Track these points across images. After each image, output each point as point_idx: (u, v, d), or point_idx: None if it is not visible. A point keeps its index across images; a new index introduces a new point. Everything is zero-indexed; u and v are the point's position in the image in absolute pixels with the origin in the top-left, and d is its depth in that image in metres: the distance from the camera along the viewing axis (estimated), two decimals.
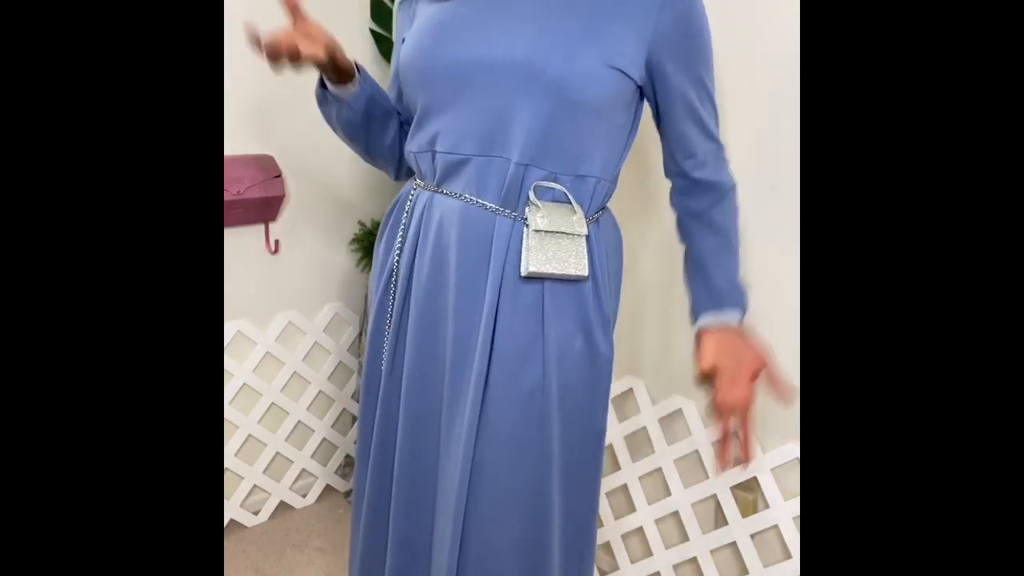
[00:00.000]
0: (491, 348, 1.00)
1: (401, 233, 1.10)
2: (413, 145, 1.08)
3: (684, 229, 1.11)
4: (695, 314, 1.08)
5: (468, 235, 1.01)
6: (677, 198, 1.11)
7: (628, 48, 0.96)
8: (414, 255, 1.08)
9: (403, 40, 1.08)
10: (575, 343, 1.03)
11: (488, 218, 1.00)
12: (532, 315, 1.01)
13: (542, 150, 0.97)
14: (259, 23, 1.76)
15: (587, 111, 0.97)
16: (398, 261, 1.10)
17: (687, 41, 0.98)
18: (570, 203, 1.00)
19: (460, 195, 1.02)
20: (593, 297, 1.04)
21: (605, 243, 1.07)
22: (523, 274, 0.99)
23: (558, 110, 0.95)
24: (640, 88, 1.02)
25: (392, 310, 1.11)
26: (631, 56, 0.97)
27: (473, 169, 1.00)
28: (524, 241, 0.99)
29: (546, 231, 0.98)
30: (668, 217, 1.49)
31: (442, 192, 1.05)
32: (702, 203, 1.08)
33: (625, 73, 0.97)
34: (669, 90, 1.01)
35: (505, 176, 0.99)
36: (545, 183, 0.99)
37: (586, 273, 1.01)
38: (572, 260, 0.99)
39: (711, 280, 1.07)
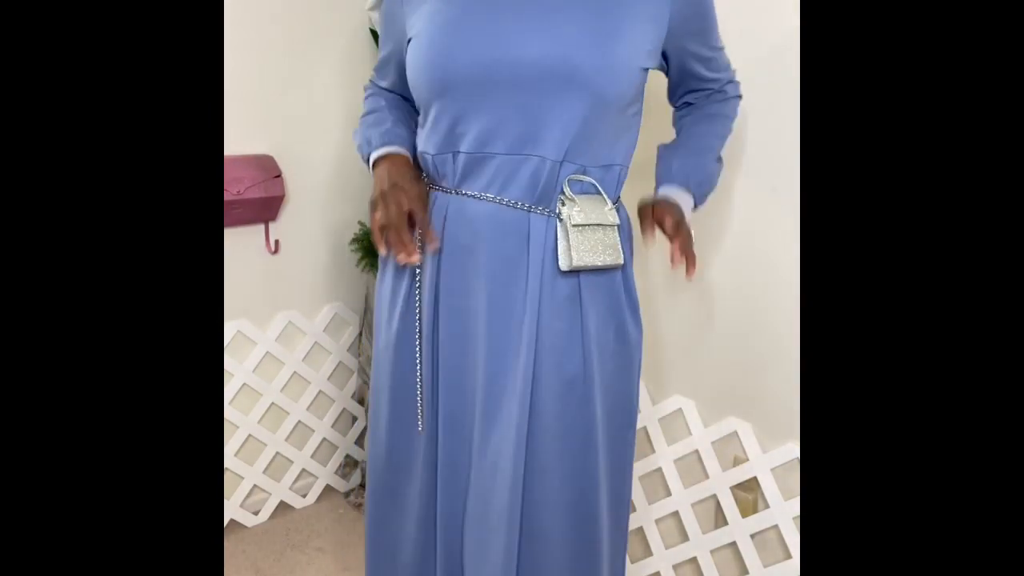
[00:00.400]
0: (536, 342, 1.02)
1: (419, 238, 1.07)
2: (430, 147, 1.05)
3: (682, 119, 1.19)
4: (670, 181, 1.12)
5: (502, 236, 1.01)
6: (681, 109, 1.20)
7: (649, 41, 1.00)
8: (439, 260, 1.06)
9: (408, 39, 1.05)
10: (611, 330, 1.06)
11: (522, 217, 1.00)
12: (571, 307, 1.03)
13: (576, 146, 0.98)
14: (259, 23, 1.77)
15: (616, 106, 0.99)
16: (420, 268, 1.08)
17: (699, 20, 1.06)
18: (599, 193, 1.02)
19: (486, 196, 1.01)
20: (623, 283, 1.08)
21: (625, 227, 1.10)
22: (565, 269, 1.00)
23: (592, 108, 0.97)
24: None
25: (421, 315, 1.09)
26: (651, 49, 1.01)
27: (498, 167, 0.99)
28: (563, 236, 0.99)
29: (584, 224, 0.99)
30: None
31: (464, 194, 1.03)
32: (706, 103, 1.17)
33: (646, 68, 1.01)
34: (684, 58, 1.09)
35: (540, 174, 0.99)
36: (576, 176, 1.01)
37: (622, 261, 1.04)
38: (609, 250, 1.02)
39: (698, 161, 1.13)
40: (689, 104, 1.19)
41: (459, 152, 1.01)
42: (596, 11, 0.96)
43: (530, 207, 1.00)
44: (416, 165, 1.11)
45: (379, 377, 1.17)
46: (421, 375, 1.10)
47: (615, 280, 1.06)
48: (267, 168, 1.79)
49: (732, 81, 1.19)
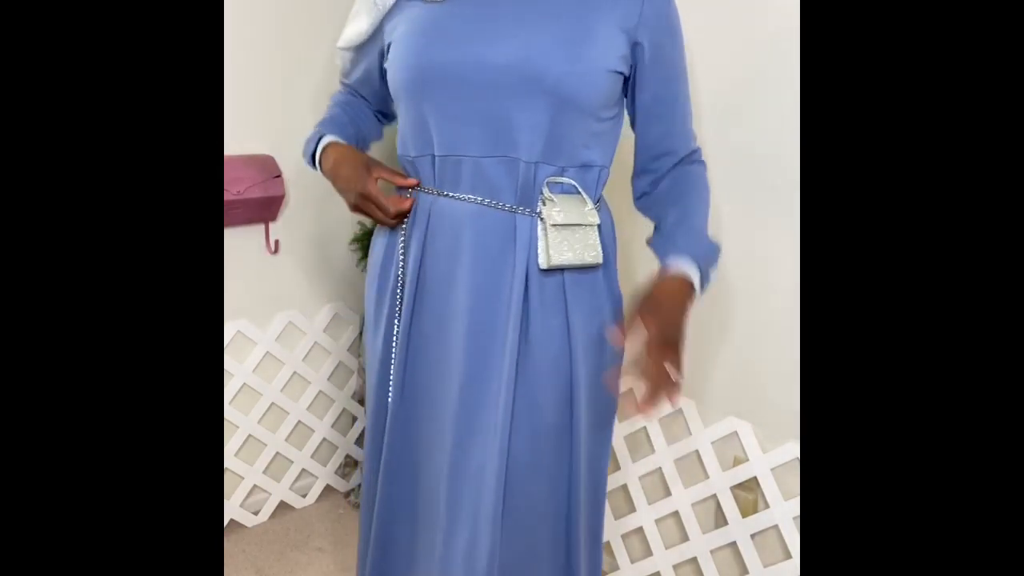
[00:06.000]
0: (520, 341, 1.03)
1: (403, 241, 1.10)
2: (410, 150, 1.08)
3: (652, 201, 1.12)
4: (674, 253, 1.03)
5: (486, 236, 1.02)
6: (644, 192, 1.14)
7: (618, 44, 1.00)
8: (420, 260, 1.08)
9: (387, 44, 1.08)
10: (594, 327, 1.07)
11: (506, 218, 1.02)
12: (556, 305, 1.04)
13: (549, 148, 1.00)
14: (259, 23, 1.77)
15: (586, 110, 1.00)
16: (402, 268, 1.10)
17: (667, 36, 1.03)
18: (579, 194, 1.04)
19: (470, 198, 1.03)
20: (605, 281, 1.09)
21: (607, 227, 1.11)
22: (544, 267, 1.01)
23: (559, 112, 0.98)
24: (626, 79, 1.05)
25: (400, 313, 1.11)
26: (622, 52, 1.00)
27: (479, 170, 1.01)
28: (542, 236, 1.01)
29: (563, 224, 1.01)
30: None
31: (447, 195, 1.05)
32: (675, 172, 1.11)
33: (617, 71, 1.01)
34: (646, 82, 1.04)
35: (518, 176, 1.01)
36: (555, 178, 1.02)
37: (601, 260, 1.05)
38: (589, 249, 1.03)
39: (695, 228, 1.06)
40: (653, 183, 1.12)
41: (436, 155, 1.04)
42: (568, 18, 0.98)
43: (513, 208, 1.02)
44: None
45: (368, 378, 1.20)
46: (393, 376, 1.12)
47: (597, 278, 1.07)
48: (267, 168, 1.79)
49: (697, 150, 1.12)
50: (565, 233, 1.01)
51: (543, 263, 1.01)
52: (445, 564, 1.09)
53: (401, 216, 1.09)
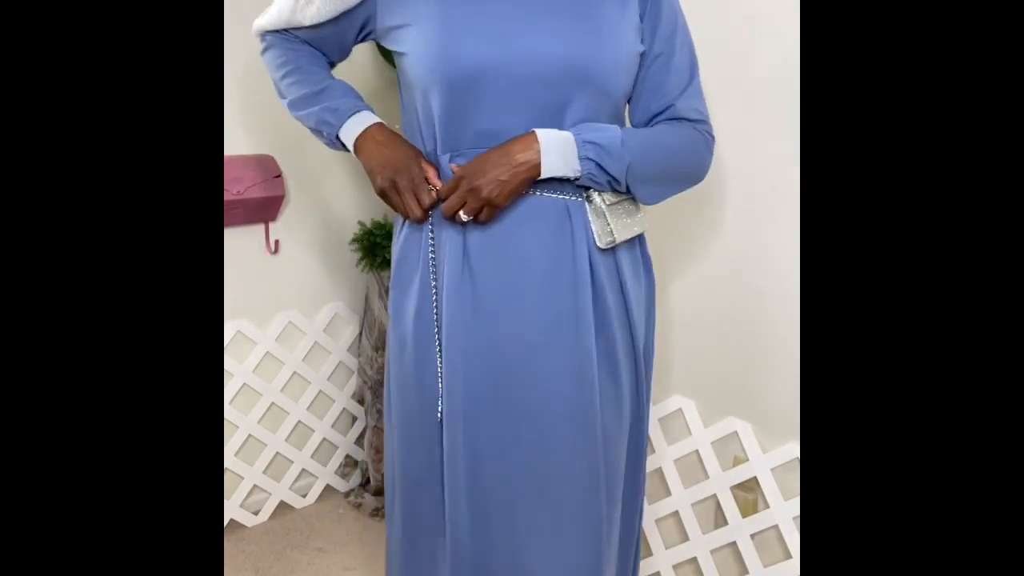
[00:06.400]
0: (593, 322, 1.04)
1: (432, 241, 1.05)
2: (446, 147, 1.03)
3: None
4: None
5: (544, 225, 1.01)
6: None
7: (633, 19, 1.03)
8: (463, 260, 1.02)
9: (397, 25, 1.03)
10: (642, 291, 1.12)
11: (559, 204, 1.02)
12: (614, 280, 1.07)
13: None
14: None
15: (618, 94, 1.04)
16: (433, 267, 1.05)
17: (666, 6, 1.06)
18: None
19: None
20: (639, 246, 1.13)
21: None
22: (604, 247, 1.03)
23: (600, 100, 1.01)
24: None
25: (439, 307, 1.06)
26: (637, 25, 1.03)
27: None
28: (599, 217, 1.02)
29: (613, 203, 1.04)
30: (657, 210, 1.48)
31: None
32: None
33: (639, 51, 1.04)
34: (645, 37, 1.05)
35: None
36: None
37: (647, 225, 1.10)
38: (637, 220, 1.07)
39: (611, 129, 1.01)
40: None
41: (478, 150, 1.00)
42: (584, 8, 1.00)
43: (568, 196, 1.02)
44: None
45: (400, 391, 1.13)
46: (442, 374, 1.07)
47: (635, 246, 1.12)
48: (267, 168, 1.79)
49: (705, 121, 1.10)
50: (618, 210, 1.04)
51: (606, 242, 1.02)
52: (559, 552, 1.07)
53: (427, 212, 1.04)
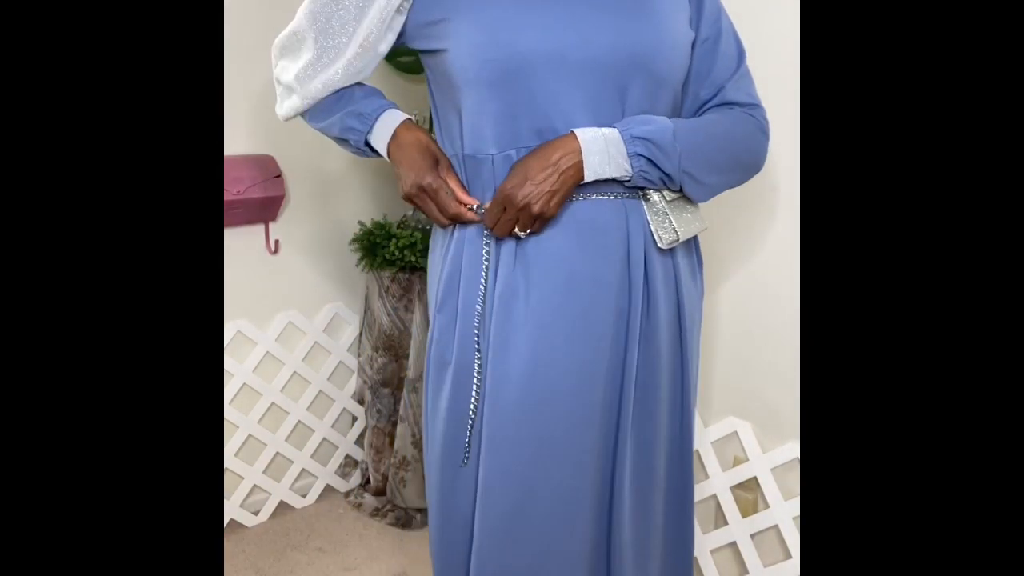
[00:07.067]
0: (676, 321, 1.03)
1: (486, 257, 0.98)
2: (491, 147, 0.96)
3: None
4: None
5: (601, 229, 0.96)
6: None
7: (684, 5, 1.00)
8: (515, 271, 0.97)
9: (434, 20, 0.97)
10: (695, 291, 1.08)
11: (616, 206, 0.96)
12: (670, 281, 1.02)
13: None
14: (259, 23, 1.77)
15: (675, 85, 0.99)
16: (484, 283, 0.99)
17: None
18: None
19: (575, 197, 0.95)
20: (695, 245, 1.09)
21: None
22: (667, 247, 0.97)
23: (658, 87, 0.96)
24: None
25: (484, 316, 0.99)
26: (689, 14, 1.00)
27: None
28: (658, 215, 0.97)
29: (673, 200, 0.98)
30: None
31: None
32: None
33: (692, 39, 1.01)
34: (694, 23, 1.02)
35: None
36: None
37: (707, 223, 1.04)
38: (698, 215, 1.01)
39: (680, 125, 0.96)
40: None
41: (527, 148, 0.95)
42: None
43: (624, 195, 0.96)
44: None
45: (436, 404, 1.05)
46: (476, 400, 1.00)
47: (691, 245, 1.07)
48: (267, 168, 1.79)
49: (758, 106, 1.06)
50: (677, 207, 0.98)
51: (668, 242, 0.96)
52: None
53: (455, 220, 0.99)
